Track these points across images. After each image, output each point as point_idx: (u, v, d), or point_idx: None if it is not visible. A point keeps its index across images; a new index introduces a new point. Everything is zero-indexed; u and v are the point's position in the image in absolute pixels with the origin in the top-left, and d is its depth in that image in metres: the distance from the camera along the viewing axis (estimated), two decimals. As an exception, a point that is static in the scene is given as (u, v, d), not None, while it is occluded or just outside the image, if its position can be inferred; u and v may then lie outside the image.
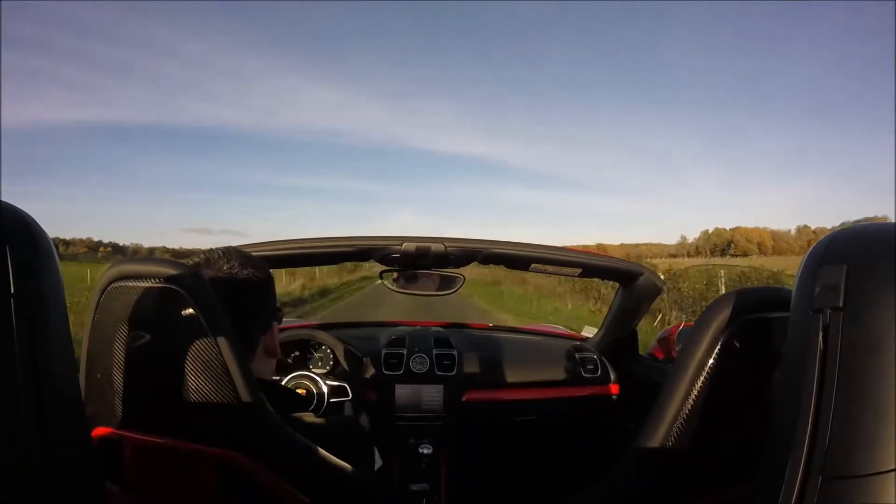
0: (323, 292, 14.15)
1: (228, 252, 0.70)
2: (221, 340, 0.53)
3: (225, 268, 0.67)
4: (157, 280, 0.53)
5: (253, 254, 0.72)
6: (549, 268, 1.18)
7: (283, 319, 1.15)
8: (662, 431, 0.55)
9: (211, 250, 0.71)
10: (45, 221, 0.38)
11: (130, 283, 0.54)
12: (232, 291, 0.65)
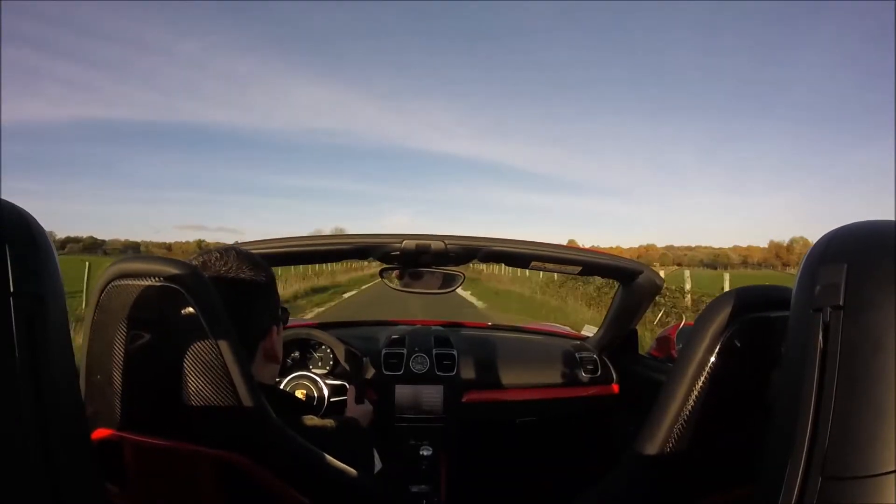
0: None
1: (227, 252, 0.67)
2: (222, 341, 0.53)
3: (223, 270, 0.65)
4: (157, 279, 0.53)
5: (252, 252, 0.71)
6: (549, 265, 1.19)
7: None
8: (663, 431, 0.55)
9: (209, 251, 0.68)
10: (38, 218, 0.37)
11: (130, 282, 0.54)
12: (229, 294, 0.61)
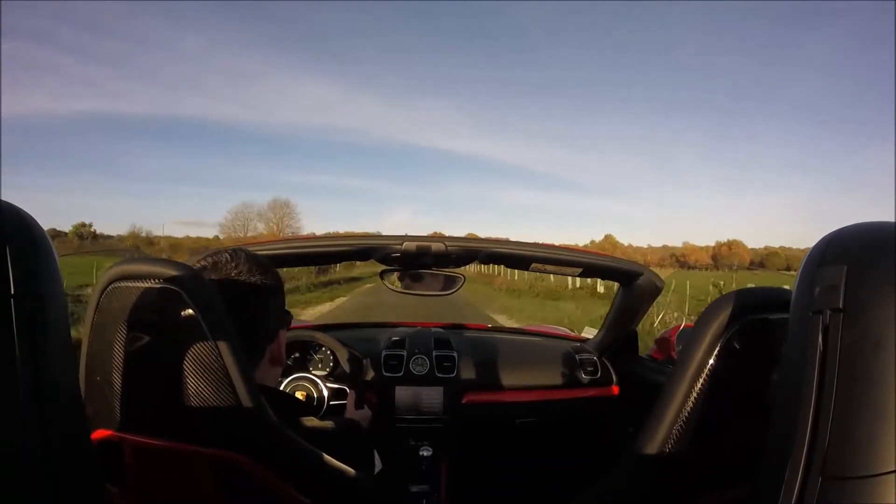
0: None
1: (237, 255, 0.67)
2: (221, 342, 0.53)
3: (233, 273, 0.65)
4: (157, 280, 0.53)
5: (259, 254, 0.71)
6: (550, 267, 1.19)
7: None
8: (662, 433, 0.55)
9: (219, 253, 0.68)
10: (38, 214, 0.37)
11: (130, 284, 0.54)
12: (238, 297, 0.62)
